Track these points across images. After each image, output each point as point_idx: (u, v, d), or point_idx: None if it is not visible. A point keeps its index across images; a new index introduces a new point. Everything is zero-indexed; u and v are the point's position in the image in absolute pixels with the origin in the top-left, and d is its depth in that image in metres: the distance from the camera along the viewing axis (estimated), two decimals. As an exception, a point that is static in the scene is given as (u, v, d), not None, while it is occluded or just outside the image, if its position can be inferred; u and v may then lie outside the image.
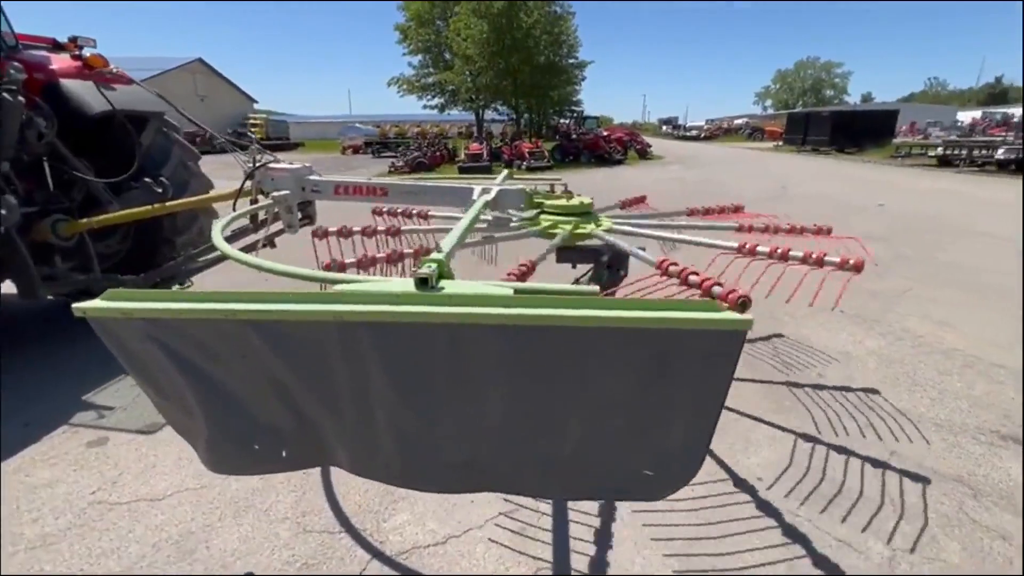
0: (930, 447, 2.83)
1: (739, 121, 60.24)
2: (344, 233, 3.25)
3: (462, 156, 21.23)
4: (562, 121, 26.86)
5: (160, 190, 4.35)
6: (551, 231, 3.11)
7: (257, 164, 3.51)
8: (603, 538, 2.21)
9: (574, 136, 23.97)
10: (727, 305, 1.77)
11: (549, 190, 3.55)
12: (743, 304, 1.87)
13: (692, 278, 2.15)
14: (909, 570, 2.03)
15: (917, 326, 4.44)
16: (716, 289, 1.98)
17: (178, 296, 1.53)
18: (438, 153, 22.72)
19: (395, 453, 1.77)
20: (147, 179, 4.30)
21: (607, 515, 2.33)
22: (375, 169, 20.88)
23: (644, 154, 25.79)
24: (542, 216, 3.31)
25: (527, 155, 20.37)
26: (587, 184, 15.86)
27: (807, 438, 2.91)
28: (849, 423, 3.04)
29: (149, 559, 2.13)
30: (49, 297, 4.03)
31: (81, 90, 4.16)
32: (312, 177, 3.65)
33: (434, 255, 1.76)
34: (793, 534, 2.22)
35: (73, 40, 4.37)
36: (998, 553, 2.12)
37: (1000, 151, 19.30)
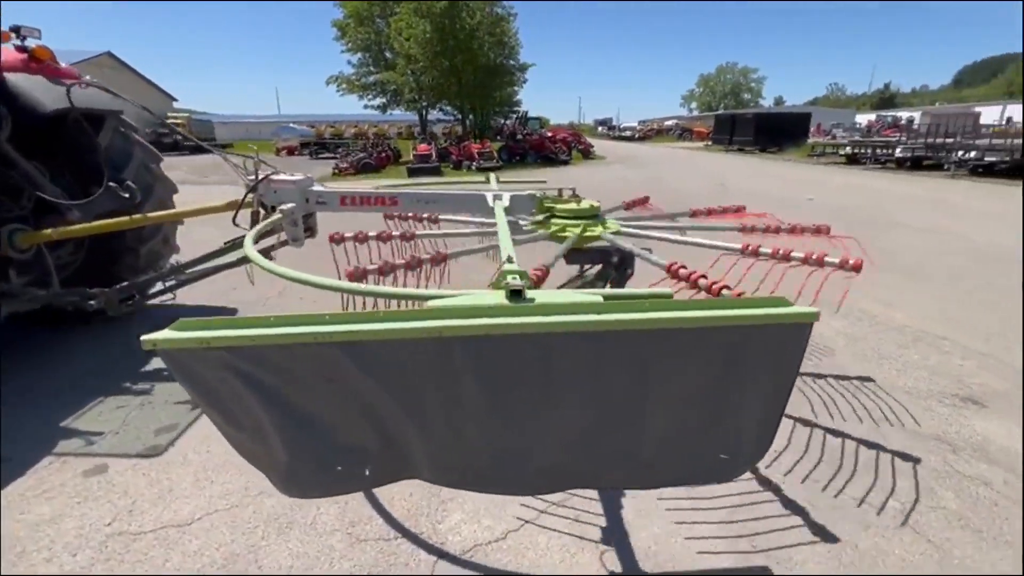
0: (907, 411, 3.19)
1: (669, 122, 63.27)
2: (360, 238, 3.18)
3: (410, 157, 20.84)
4: (506, 122, 27.06)
5: (127, 195, 4.02)
6: (561, 234, 3.19)
7: (260, 176, 3.36)
8: (638, 515, 2.33)
9: (520, 137, 24.23)
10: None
11: (557, 194, 3.64)
12: None
13: (702, 281, 2.30)
14: (922, 519, 2.31)
15: (871, 307, 4.95)
16: (725, 292, 2.13)
17: (257, 322, 1.47)
18: (383, 154, 22.22)
19: (486, 460, 1.82)
20: (111, 184, 3.95)
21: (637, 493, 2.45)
22: (316, 171, 19.95)
23: (587, 154, 26.55)
24: (552, 220, 3.40)
25: (476, 156, 20.37)
26: (542, 186, 16.12)
27: (804, 422, 3.19)
28: (837, 398, 3.37)
29: (198, 586, 2.01)
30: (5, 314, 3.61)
31: (30, 85, 3.76)
32: (316, 188, 3.54)
33: (511, 267, 1.83)
34: (811, 498, 2.45)
35: (15, 30, 3.93)
36: (984, 497, 2.45)
37: (898, 150, 21.64)
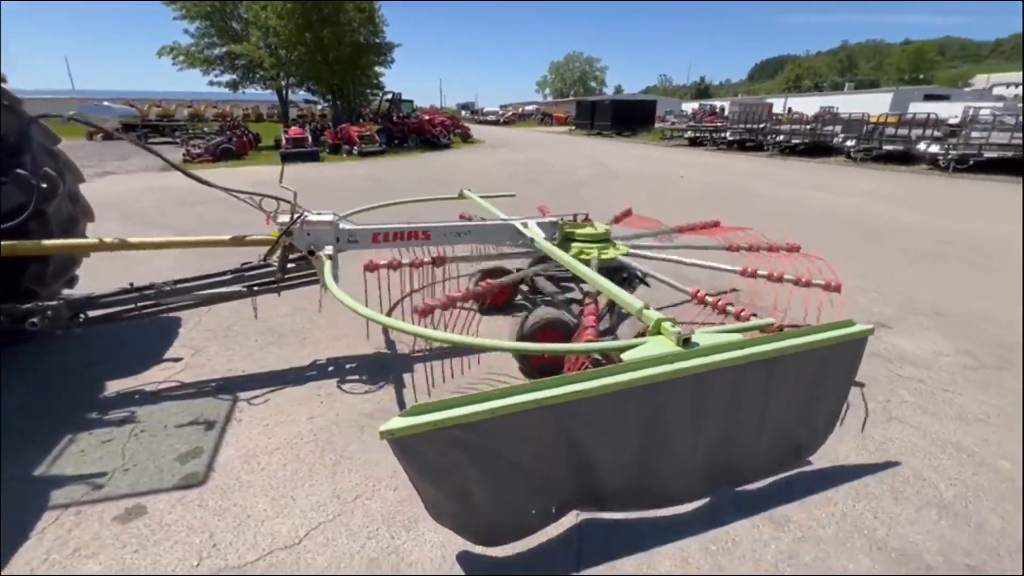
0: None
1: (530, 107, 65.72)
2: (394, 265, 3.08)
3: (274, 141, 18.81)
4: (382, 102, 25.73)
5: (44, 184, 3.23)
6: (582, 257, 3.51)
7: (295, 218, 3.03)
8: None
9: (396, 119, 23.33)
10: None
11: (571, 219, 3.86)
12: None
13: (730, 308, 2.84)
14: (896, 411, 3.04)
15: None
16: (753, 319, 2.66)
17: (477, 398, 1.70)
18: (244, 138, 19.73)
19: (673, 479, 2.16)
20: (20, 170, 3.13)
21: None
22: (152, 159, 17.10)
23: (466, 138, 26.60)
24: (572, 243, 3.69)
25: (357, 140, 19.18)
26: (437, 170, 15.88)
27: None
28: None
29: (357, 597, 1.87)
30: None
31: None
32: (346, 226, 3.27)
33: (653, 314, 2.24)
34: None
35: None
36: (924, 390, 3.29)
37: (728, 134, 25.49)
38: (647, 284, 3.69)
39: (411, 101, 29.31)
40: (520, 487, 1.91)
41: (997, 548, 2.09)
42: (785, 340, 2.10)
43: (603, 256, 3.55)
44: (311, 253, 3.18)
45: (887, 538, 2.14)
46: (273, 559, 2.03)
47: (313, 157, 17.80)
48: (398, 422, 1.62)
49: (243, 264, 3.36)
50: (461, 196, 5.11)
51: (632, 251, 3.77)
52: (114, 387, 3.26)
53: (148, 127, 27.08)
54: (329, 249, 3.16)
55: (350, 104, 24.49)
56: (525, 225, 3.73)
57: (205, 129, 24.67)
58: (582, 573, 1.97)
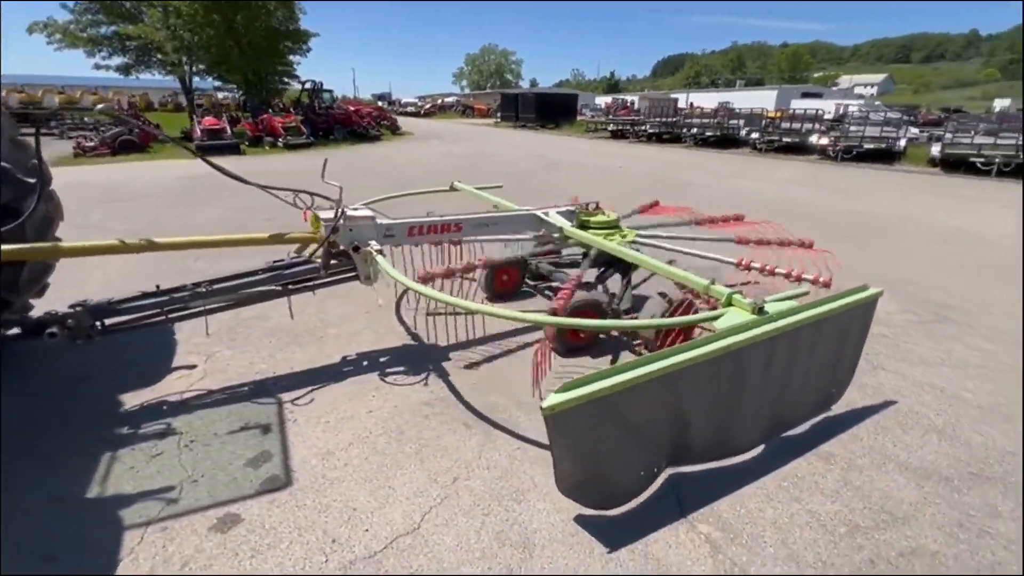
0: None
1: (449, 99, 64.99)
2: (448, 274, 3.13)
3: (195, 132, 17.14)
4: (304, 91, 24.19)
5: (32, 179, 2.88)
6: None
7: (340, 215, 2.93)
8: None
9: (320, 110, 22.12)
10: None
11: (583, 207, 4.04)
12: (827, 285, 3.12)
13: (778, 270, 3.30)
14: (879, 361, 3.60)
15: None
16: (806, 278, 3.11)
17: (614, 371, 1.92)
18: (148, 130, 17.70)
19: (742, 431, 2.48)
20: (4, 164, 2.77)
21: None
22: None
23: (395, 130, 25.85)
24: (588, 231, 3.92)
25: (282, 131, 17.98)
26: (377, 163, 15.37)
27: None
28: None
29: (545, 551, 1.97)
30: None
31: None
32: (383, 221, 3.22)
33: (722, 289, 2.60)
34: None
35: None
36: (890, 343, 3.91)
37: (648, 127, 27.03)
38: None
39: (331, 91, 27.91)
40: (638, 451, 2.13)
41: (987, 457, 2.62)
42: (827, 303, 2.49)
43: (615, 241, 3.79)
44: (356, 249, 3.11)
45: (909, 460, 2.59)
46: (401, 544, 2.05)
47: (234, 150, 16.47)
48: (555, 398, 1.78)
49: (275, 261, 3.21)
50: (453, 189, 5.14)
51: (638, 239, 4.04)
52: (131, 400, 2.99)
53: (17, 115, 23.40)
54: (375, 244, 3.13)
55: (263, 93, 22.74)
56: (546, 214, 3.89)
57: (86, 119, 21.80)
58: (688, 517, 2.21)
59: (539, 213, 3.89)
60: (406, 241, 3.42)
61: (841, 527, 2.17)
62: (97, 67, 20.68)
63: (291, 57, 25.31)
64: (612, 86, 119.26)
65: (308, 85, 23.88)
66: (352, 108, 24.15)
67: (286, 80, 24.81)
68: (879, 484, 2.42)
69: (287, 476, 2.42)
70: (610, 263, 3.94)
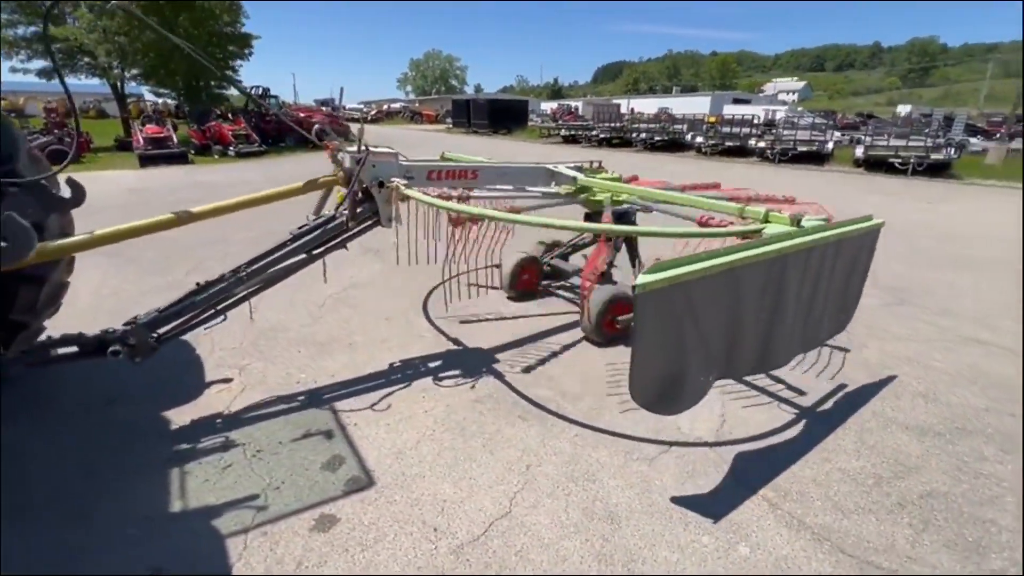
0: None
1: (396, 105, 64.21)
2: (476, 221, 3.32)
3: (137, 140, 16.10)
4: (250, 97, 23.19)
5: (68, 192, 2.82)
6: (593, 199, 4.18)
7: (365, 150, 2.97)
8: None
9: (268, 117, 21.36)
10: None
11: (588, 165, 4.31)
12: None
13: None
14: (861, 340, 4.08)
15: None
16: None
17: (691, 259, 2.11)
18: (81, 139, 16.48)
19: (781, 343, 2.67)
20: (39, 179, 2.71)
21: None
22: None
23: (347, 137, 25.29)
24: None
25: (232, 139, 17.25)
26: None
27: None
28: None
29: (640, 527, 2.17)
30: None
31: None
32: (404, 162, 3.32)
33: (758, 208, 2.91)
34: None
35: None
36: (867, 323, 4.43)
37: (598, 132, 27.96)
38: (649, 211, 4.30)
39: (277, 97, 27.05)
40: (703, 350, 2.27)
41: (965, 414, 3.10)
42: (846, 226, 2.73)
43: (616, 199, 4.04)
44: (381, 185, 3.17)
45: (907, 421, 3.03)
46: (500, 527, 2.21)
47: (181, 159, 15.64)
48: (646, 278, 1.93)
49: (299, 228, 3.18)
50: (443, 159, 5.31)
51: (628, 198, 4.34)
52: (177, 417, 2.94)
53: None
54: (400, 180, 3.21)
55: (205, 100, 21.65)
56: (556, 167, 4.14)
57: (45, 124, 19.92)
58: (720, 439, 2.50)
59: (550, 166, 4.13)
60: (424, 183, 3.48)
61: (868, 479, 2.53)
62: (13, 70, 19.00)
63: (234, 62, 24.30)
64: (556, 92, 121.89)
65: (257, 91, 23.06)
66: (303, 114, 23.42)
67: (224, 86, 23.73)
68: (889, 442, 2.82)
69: (368, 476, 2.50)
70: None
